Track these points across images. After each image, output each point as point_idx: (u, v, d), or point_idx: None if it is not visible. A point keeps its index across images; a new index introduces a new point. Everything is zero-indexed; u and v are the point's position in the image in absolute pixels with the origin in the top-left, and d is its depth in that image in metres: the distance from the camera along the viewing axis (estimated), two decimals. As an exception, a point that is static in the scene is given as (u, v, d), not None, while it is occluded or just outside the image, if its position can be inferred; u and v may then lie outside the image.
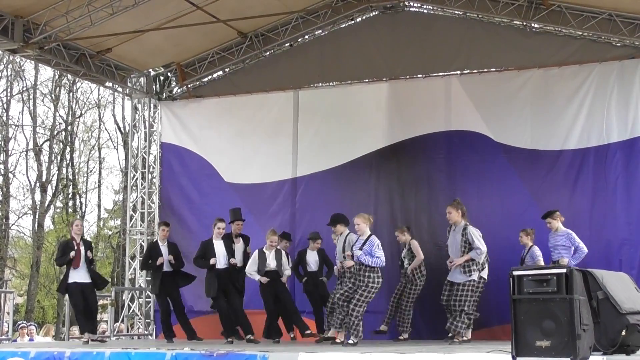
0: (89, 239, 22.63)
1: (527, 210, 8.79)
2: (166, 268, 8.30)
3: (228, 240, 8.15)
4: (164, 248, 8.36)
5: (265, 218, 9.74)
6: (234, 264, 7.93)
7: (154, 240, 9.30)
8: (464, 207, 7.22)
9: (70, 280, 7.88)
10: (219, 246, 7.99)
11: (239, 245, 8.30)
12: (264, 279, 7.92)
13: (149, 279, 9.61)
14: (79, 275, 7.87)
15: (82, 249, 7.93)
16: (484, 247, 6.99)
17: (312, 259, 8.73)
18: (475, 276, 6.94)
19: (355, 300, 6.91)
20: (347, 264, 7.28)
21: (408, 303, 8.18)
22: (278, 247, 8.20)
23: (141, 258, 9.47)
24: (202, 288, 8.23)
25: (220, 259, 7.92)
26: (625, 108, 8.76)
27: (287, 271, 8.20)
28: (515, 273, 4.67)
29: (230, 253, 8.01)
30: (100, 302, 14.79)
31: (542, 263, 7.93)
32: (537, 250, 8.07)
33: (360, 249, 6.99)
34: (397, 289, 8.33)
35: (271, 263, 7.99)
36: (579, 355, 4.33)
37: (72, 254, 7.82)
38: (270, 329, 8.19)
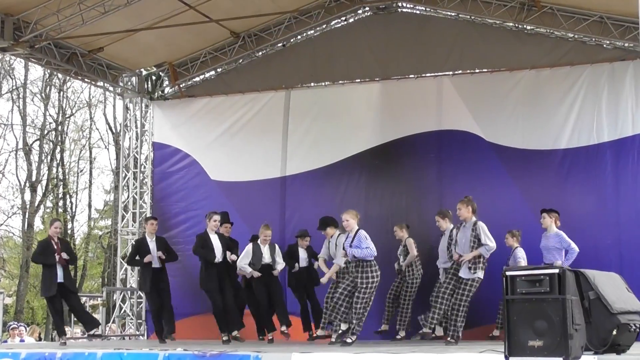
0: (78, 239, 22.63)
1: (518, 209, 8.86)
2: (155, 265, 8.15)
3: (222, 237, 8.14)
4: (152, 244, 8.21)
5: (253, 216, 9.72)
6: (233, 260, 7.88)
7: (142, 236, 9.27)
8: (475, 203, 7.17)
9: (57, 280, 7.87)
10: (215, 240, 7.95)
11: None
12: (257, 274, 7.92)
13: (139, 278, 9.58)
14: (60, 276, 7.87)
15: (59, 249, 7.89)
16: (492, 244, 6.98)
17: (303, 256, 8.71)
18: (480, 274, 6.97)
19: (355, 299, 6.97)
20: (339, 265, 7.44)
21: (405, 302, 8.21)
22: (271, 241, 8.21)
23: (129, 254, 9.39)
24: (189, 289, 8.18)
25: (217, 253, 7.89)
26: (616, 109, 8.85)
27: (280, 265, 8.16)
28: (508, 273, 4.69)
29: (226, 248, 7.99)
30: (92, 302, 14.78)
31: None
32: (519, 252, 8.05)
33: (350, 245, 7.05)
34: (392, 286, 8.35)
35: (266, 257, 8.02)
36: (570, 355, 4.36)
37: (58, 258, 7.78)
38: (264, 325, 8.20)
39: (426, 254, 8.59)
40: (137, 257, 8.25)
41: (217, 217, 7.98)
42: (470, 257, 6.92)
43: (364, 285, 6.95)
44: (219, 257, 7.86)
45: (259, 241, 8.08)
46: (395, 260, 8.48)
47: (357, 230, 7.13)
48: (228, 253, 7.95)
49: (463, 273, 7.01)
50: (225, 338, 7.78)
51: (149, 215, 10.64)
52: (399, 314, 8.25)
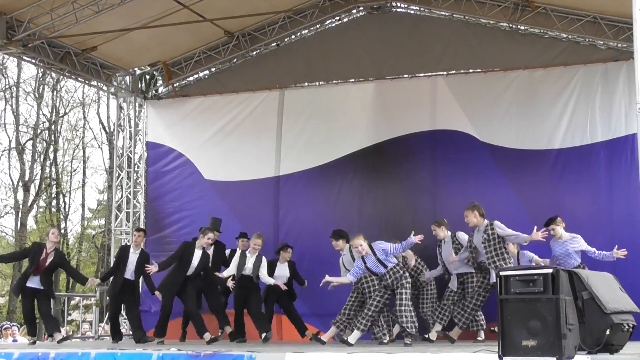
0: (72, 238, 22.46)
1: (512, 210, 8.83)
2: (127, 276, 7.94)
3: (205, 254, 7.89)
4: (133, 256, 7.97)
5: (247, 216, 9.71)
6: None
7: (127, 244, 9.13)
8: (481, 208, 7.12)
9: (27, 284, 7.88)
10: (197, 257, 7.71)
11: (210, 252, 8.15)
12: (231, 283, 7.80)
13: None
14: (35, 281, 7.86)
15: (50, 259, 7.83)
16: (515, 232, 6.98)
17: (281, 273, 8.33)
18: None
19: (400, 304, 7.01)
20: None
21: (427, 304, 8.07)
22: (263, 247, 8.15)
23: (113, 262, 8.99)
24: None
25: (191, 268, 7.70)
26: (609, 109, 8.88)
27: (262, 278, 7.99)
28: (502, 273, 4.71)
29: (203, 266, 7.78)
30: (85, 302, 14.73)
31: (541, 263, 7.85)
32: (528, 253, 7.91)
33: (380, 262, 7.06)
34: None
35: (248, 268, 7.99)
36: (564, 355, 4.37)
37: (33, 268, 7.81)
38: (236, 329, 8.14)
39: (419, 254, 8.57)
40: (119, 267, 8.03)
41: (211, 236, 7.74)
42: (537, 236, 6.85)
43: (405, 288, 7.01)
44: (191, 272, 7.66)
45: (247, 251, 8.06)
46: None
47: (370, 245, 7.11)
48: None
49: (494, 279, 6.96)
50: (159, 341, 7.62)
51: (142, 214, 10.63)
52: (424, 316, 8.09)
